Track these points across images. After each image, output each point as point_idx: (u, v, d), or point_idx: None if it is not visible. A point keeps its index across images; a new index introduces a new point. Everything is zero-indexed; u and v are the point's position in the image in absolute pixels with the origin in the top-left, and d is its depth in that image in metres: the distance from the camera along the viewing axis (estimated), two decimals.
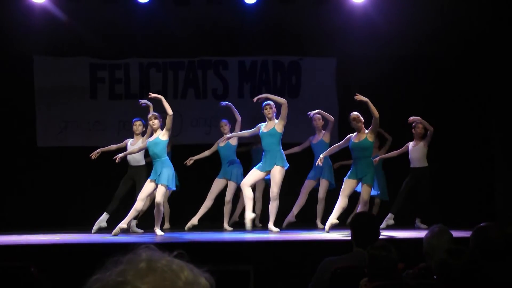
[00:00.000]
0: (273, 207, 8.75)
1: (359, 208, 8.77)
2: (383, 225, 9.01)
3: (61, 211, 10.42)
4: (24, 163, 10.65)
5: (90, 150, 9.21)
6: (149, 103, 9.12)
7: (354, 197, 9.05)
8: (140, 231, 9.08)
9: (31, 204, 10.49)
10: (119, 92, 11.20)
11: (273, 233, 8.56)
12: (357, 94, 8.57)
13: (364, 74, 10.62)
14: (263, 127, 8.89)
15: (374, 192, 9.07)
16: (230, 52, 11.19)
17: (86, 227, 9.02)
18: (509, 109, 9.92)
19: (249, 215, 8.75)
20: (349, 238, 4.60)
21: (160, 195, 8.35)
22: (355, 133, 8.56)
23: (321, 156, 8.80)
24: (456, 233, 4.61)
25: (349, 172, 8.55)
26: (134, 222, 9.15)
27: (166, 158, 8.50)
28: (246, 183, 8.84)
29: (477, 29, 10.13)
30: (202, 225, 9.42)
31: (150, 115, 8.66)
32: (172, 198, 9.83)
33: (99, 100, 11.14)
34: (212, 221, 9.86)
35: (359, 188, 8.68)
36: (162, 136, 8.46)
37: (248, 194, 8.79)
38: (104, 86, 11.17)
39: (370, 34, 10.47)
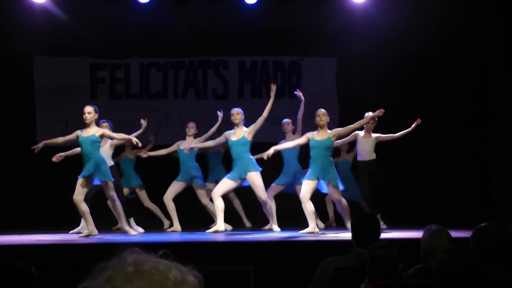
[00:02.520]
0: (267, 209, 8.72)
1: (339, 207, 8.76)
2: None
3: (61, 211, 10.40)
4: (24, 163, 10.63)
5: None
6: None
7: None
8: (141, 230, 9.05)
9: (31, 204, 10.49)
10: (120, 92, 11.20)
11: (276, 233, 8.57)
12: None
13: (365, 74, 10.62)
14: (232, 136, 8.72)
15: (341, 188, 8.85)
16: (231, 52, 11.19)
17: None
18: (508, 108, 9.92)
19: (222, 227, 8.58)
20: (349, 238, 4.60)
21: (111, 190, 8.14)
22: (317, 131, 8.49)
23: None
24: (455, 233, 4.61)
25: (308, 173, 8.43)
26: (131, 221, 9.09)
27: (99, 154, 8.21)
28: (218, 193, 8.62)
29: (478, 27, 10.12)
30: (202, 226, 9.43)
31: (87, 107, 8.24)
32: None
33: (100, 100, 11.11)
34: (211, 221, 9.87)
35: (322, 188, 8.58)
36: (98, 133, 8.13)
37: (219, 205, 8.60)
38: (105, 86, 11.17)
39: (371, 34, 10.46)
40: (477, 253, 3.55)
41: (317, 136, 8.44)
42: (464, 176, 10.53)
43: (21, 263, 4.99)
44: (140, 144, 8.23)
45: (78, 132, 8.20)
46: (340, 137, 8.70)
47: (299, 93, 8.99)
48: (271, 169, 9.31)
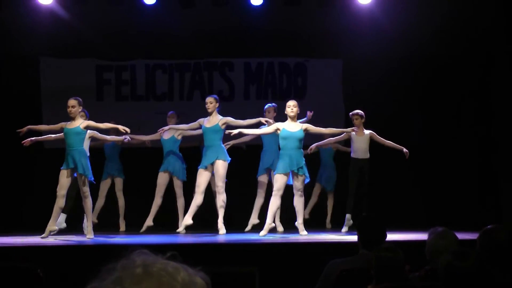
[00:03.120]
0: (220, 200, 8.63)
1: (298, 201, 8.41)
2: (344, 228, 8.95)
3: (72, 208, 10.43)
4: (31, 165, 10.66)
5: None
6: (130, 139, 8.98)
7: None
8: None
9: (38, 205, 10.49)
10: (125, 93, 11.23)
11: (221, 233, 8.52)
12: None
13: (371, 75, 10.62)
14: (206, 122, 8.80)
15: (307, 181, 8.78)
16: (236, 54, 11.21)
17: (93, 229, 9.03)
18: None
19: (188, 221, 8.59)
20: (355, 240, 4.60)
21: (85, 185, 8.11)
22: (287, 121, 8.41)
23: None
24: (462, 235, 4.61)
25: (279, 166, 8.34)
26: (63, 218, 9.06)
27: (83, 147, 8.25)
28: (201, 188, 8.66)
29: (484, 28, 10.12)
30: (206, 227, 9.45)
31: (70, 100, 8.31)
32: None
33: (106, 101, 11.16)
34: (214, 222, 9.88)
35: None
36: (82, 125, 8.19)
37: (198, 201, 8.64)
38: (111, 87, 11.20)
39: (376, 35, 10.47)
40: (483, 255, 3.55)
41: (288, 127, 8.38)
42: (469, 177, 10.51)
43: (27, 265, 5.00)
44: (128, 131, 8.30)
45: (62, 124, 8.29)
46: (315, 132, 8.63)
47: (310, 114, 9.06)
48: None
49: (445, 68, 10.65)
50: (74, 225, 9.45)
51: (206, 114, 10.91)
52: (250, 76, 11.25)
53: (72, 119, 8.25)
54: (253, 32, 10.71)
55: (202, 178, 8.69)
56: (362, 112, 9.06)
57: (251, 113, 9.84)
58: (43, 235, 8.06)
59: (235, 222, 9.53)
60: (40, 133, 8.91)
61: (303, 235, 8.25)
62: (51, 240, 7.99)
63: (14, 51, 10.57)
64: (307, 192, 9.96)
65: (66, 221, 9.20)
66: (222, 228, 8.63)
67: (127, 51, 11.10)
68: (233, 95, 11.18)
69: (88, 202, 8.12)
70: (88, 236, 8.15)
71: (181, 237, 8.57)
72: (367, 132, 9.06)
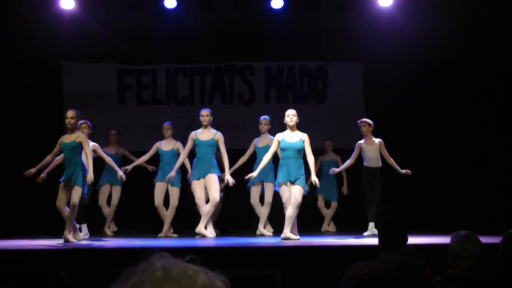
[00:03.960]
0: (208, 210, 8.67)
1: (290, 211, 8.13)
2: (367, 233, 8.90)
3: (88, 216, 10.49)
4: (53, 169, 10.73)
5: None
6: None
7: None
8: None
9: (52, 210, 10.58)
10: (147, 97, 11.29)
11: (210, 237, 8.61)
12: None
13: (391, 78, 10.59)
14: (200, 135, 8.76)
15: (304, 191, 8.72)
16: (257, 57, 11.23)
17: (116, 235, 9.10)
18: None
19: (211, 232, 8.79)
20: (376, 243, 4.58)
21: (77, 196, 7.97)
22: (287, 131, 8.24)
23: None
24: (485, 239, 4.57)
25: (278, 176, 8.22)
26: (85, 227, 9.10)
27: (80, 159, 8.14)
28: (202, 200, 8.74)
29: (504, 34, 10.05)
30: (223, 230, 9.48)
31: (69, 111, 8.18)
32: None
33: (127, 105, 11.23)
34: (234, 226, 9.90)
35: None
36: (78, 140, 8.05)
37: (205, 211, 8.74)
38: (132, 91, 11.27)
39: (397, 39, 10.44)
40: (506, 259, 3.52)
41: (287, 138, 8.20)
42: (492, 181, 10.42)
43: (50, 267, 5.03)
44: (90, 181, 8.10)
45: (60, 140, 8.20)
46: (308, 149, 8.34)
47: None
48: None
49: (464, 71, 10.58)
50: (95, 229, 9.53)
51: (227, 116, 10.99)
52: (270, 79, 11.26)
53: (69, 130, 8.14)
54: (273, 35, 10.72)
55: (200, 190, 8.75)
56: (370, 121, 9.05)
57: (271, 117, 9.85)
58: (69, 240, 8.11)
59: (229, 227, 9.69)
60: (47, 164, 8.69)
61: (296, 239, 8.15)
62: (73, 243, 8.03)
63: (36, 55, 10.67)
64: (314, 208, 10.05)
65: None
66: (206, 232, 8.68)
67: (148, 55, 11.17)
68: (254, 98, 11.18)
69: (74, 212, 7.96)
70: (71, 240, 7.97)
71: (201, 241, 8.59)
72: (376, 140, 9.06)
